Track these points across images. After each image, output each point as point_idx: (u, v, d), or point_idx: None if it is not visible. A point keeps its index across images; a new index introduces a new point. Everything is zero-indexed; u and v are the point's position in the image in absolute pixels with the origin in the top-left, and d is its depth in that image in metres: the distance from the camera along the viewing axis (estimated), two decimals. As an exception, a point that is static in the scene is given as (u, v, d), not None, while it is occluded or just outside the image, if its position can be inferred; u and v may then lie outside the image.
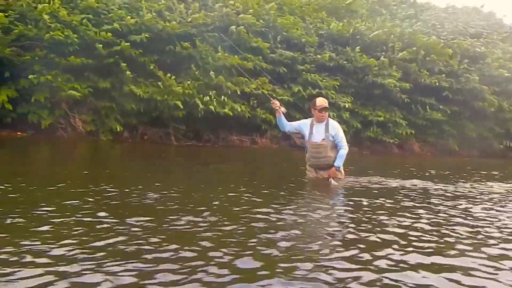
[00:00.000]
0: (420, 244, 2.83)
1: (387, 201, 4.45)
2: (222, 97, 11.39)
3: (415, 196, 4.90)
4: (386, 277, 2.19)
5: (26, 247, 2.32)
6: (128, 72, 10.60)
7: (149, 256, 2.28)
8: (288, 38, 13.32)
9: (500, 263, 2.52)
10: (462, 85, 14.95)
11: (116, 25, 10.72)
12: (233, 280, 2.04)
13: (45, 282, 1.91)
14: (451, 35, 17.69)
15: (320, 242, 2.78)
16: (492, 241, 3.03)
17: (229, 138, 12.84)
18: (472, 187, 6.04)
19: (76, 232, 2.66)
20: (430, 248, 2.76)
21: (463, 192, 5.49)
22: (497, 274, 2.35)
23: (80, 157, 8.70)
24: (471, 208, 4.33)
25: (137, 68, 11.04)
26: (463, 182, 6.65)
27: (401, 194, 5.00)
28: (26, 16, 10.17)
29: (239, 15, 12.41)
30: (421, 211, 3.99)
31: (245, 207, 3.76)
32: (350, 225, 3.27)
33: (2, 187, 4.01)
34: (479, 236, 3.15)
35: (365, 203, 4.29)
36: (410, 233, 3.12)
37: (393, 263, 2.42)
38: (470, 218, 3.83)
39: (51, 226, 2.78)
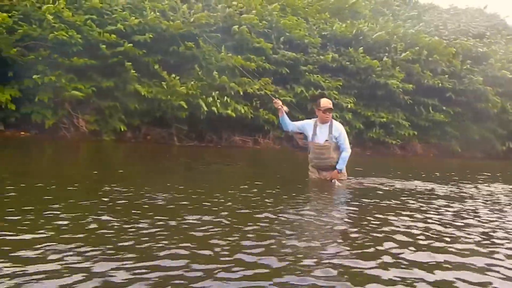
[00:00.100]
0: (434, 245, 2.88)
1: (394, 202, 4.47)
2: (225, 97, 11.39)
3: (422, 198, 4.90)
4: (399, 277, 2.22)
5: (42, 248, 2.34)
6: (132, 71, 10.62)
7: (165, 256, 2.31)
8: (291, 39, 13.31)
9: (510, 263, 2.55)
10: (466, 86, 14.92)
11: (120, 26, 10.75)
12: (249, 278, 2.08)
13: (68, 282, 1.94)
14: (453, 35, 17.68)
15: (332, 241, 2.82)
16: (501, 242, 3.05)
17: (231, 139, 12.85)
18: (477, 189, 6.04)
19: (90, 233, 2.68)
20: (442, 248, 2.81)
21: (469, 194, 5.49)
22: (508, 274, 2.38)
23: (85, 157, 8.73)
24: (478, 209, 4.34)
25: (141, 68, 11.05)
26: (468, 183, 6.65)
27: (408, 196, 5.01)
28: (30, 16, 10.19)
29: (242, 15, 12.41)
30: (429, 212, 4.01)
31: (253, 207, 3.81)
32: (360, 226, 3.30)
33: (12, 187, 4.03)
34: (488, 237, 3.18)
35: (372, 204, 4.30)
36: (420, 233, 3.15)
37: (406, 263, 2.45)
38: (478, 219, 3.85)
39: (65, 226, 2.79)
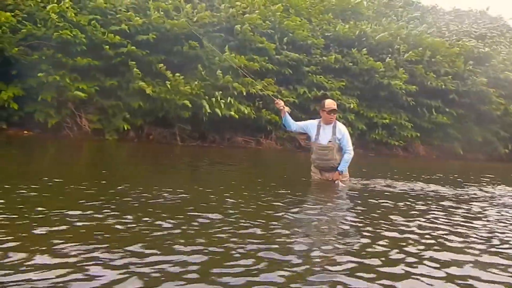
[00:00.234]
0: (444, 245, 2.89)
1: (399, 203, 4.46)
2: (229, 98, 11.39)
3: (428, 199, 4.90)
4: (411, 277, 2.23)
5: (53, 248, 2.34)
6: (135, 69, 10.64)
7: (178, 255, 2.33)
8: (294, 40, 13.31)
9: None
10: (469, 87, 14.90)
11: (124, 26, 10.77)
12: (261, 276, 2.10)
13: (81, 281, 1.94)
14: (455, 37, 17.67)
15: (339, 241, 2.82)
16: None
17: (234, 139, 12.86)
18: (482, 191, 6.04)
19: (102, 233, 2.68)
20: (453, 248, 2.84)
21: (474, 196, 5.49)
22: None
23: (90, 156, 8.75)
24: (485, 211, 4.35)
25: (144, 68, 11.07)
26: (472, 185, 6.64)
27: (414, 197, 5.01)
28: (35, 15, 10.22)
29: (245, 15, 12.41)
30: (436, 214, 4.01)
31: (260, 207, 3.84)
32: (369, 227, 3.30)
33: (21, 186, 4.03)
34: (496, 238, 3.18)
35: (377, 205, 4.30)
36: (429, 234, 3.16)
37: (417, 264, 2.46)
38: (486, 221, 3.85)
39: (77, 227, 2.78)
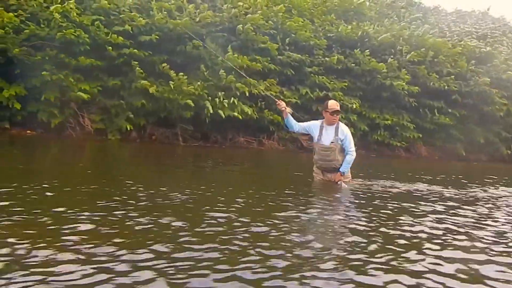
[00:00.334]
0: (455, 245, 2.94)
1: (407, 204, 4.48)
2: (232, 99, 11.38)
3: (433, 200, 4.92)
4: (424, 276, 2.26)
5: (64, 248, 2.36)
6: (138, 69, 10.67)
7: (189, 255, 2.37)
8: (296, 41, 13.32)
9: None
10: (471, 88, 14.87)
11: (128, 26, 10.79)
12: (271, 276, 2.14)
13: (94, 281, 1.96)
14: (456, 37, 17.66)
15: (351, 241, 2.86)
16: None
17: (236, 139, 12.86)
18: (486, 192, 6.05)
19: (113, 234, 2.70)
20: (464, 247, 2.89)
21: (479, 197, 5.50)
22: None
23: (94, 157, 8.77)
24: (492, 212, 4.37)
25: (147, 68, 11.09)
26: (476, 186, 6.64)
27: (419, 198, 5.03)
28: (38, 15, 10.25)
29: (248, 15, 12.43)
30: (444, 214, 4.04)
31: (267, 207, 3.90)
32: (378, 227, 3.33)
33: (29, 186, 4.06)
34: (507, 239, 3.22)
35: (384, 205, 4.32)
36: (438, 234, 3.19)
37: (427, 266, 2.48)
38: (494, 221, 3.88)
39: (88, 227, 2.80)
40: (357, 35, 14.31)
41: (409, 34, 15.15)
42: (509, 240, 3.18)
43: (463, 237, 3.18)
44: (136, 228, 2.86)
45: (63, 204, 3.37)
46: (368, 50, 13.87)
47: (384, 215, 3.81)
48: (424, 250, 2.75)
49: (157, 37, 10.95)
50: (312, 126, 5.86)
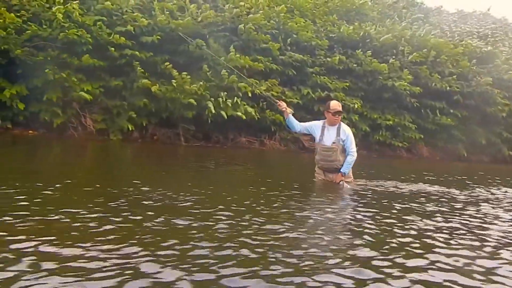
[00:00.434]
0: (463, 245, 2.96)
1: (412, 204, 4.50)
2: (235, 98, 11.37)
3: (438, 201, 4.93)
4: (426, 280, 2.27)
5: (84, 248, 2.37)
6: (139, 68, 10.68)
7: (208, 254, 2.40)
8: (298, 41, 13.33)
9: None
10: (473, 88, 14.85)
11: (130, 27, 10.80)
12: (285, 273, 2.19)
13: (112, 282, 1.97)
14: (457, 37, 17.65)
15: (360, 242, 2.89)
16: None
17: (237, 139, 12.87)
18: (490, 193, 6.05)
19: (129, 234, 2.71)
20: (472, 248, 2.90)
21: (484, 197, 5.51)
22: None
23: (98, 157, 8.78)
24: (497, 213, 4.38)
25: (149, 68, 11.11)
26: (479, 187, 6.64)
27: (424, 198, 5.03)
28: (40, 16, 10.27)
29: (249, 15, 12.44)
30: (450, 215, 4.05)
31: (275, 207, 3.95)
32: (385, 226, 3.36)
33: (36, 186, 4.07)
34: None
35: (390, 206, 4.34)
36: (447, 235, 3.21)
37: (436, 265, 2.50)
38: (501, 222, 3.89)
39: (104, 227, 2.81)
40: (359, 36, 14.32)
41: (410, 35, 15.15)
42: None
43: (472, 236, 3.21)
44: (152, 228, 2.88)
45: (73, 204, 3.39)
46: (370, 51, 13.87)
47: (390, 215, 3.83)
48: (434, 249, 2.78)
49: (159, 37, 10.97)
50: (314, 126, 5.86)
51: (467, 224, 3.67)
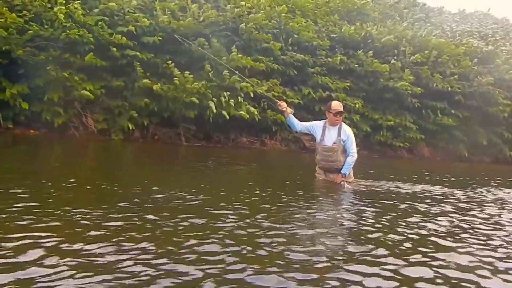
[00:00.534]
0: (471, 245, 2.99)
1: (417, 205, 4.50)
2: (238, 97, 11.36)
3: (441, 201, 4.93)
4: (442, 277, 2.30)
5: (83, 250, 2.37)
6: (139, 69, 10.69)
7: (221, 253, 2.43)
8: (299, 41, 13.33)
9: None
10: (475, 88, 14.83)
11: (132, 27, 10.81)
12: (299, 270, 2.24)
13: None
14: (458, 37, 17.64)
15: (368, 242, 2.91)
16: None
17: (238, 139, 12.88)
18: (493, 194, 6.05)
19: (141, 233, 2.73)
20: (479, 248, 2.93)
21: (487, 198, 5.51)
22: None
23: (100, 156, 8.78)
24: (502, 214, 4.38)
25: (150, 68, 11.12)
26: (482, 188, 6.64)
27: (428, 199, 5.04)
28: (42, 16, 10.28)
29: (251, 15, 12.44)
30: (453, 215, 4.05)
31: (281, 207, 3.98)
32: (391, 227, 3.37)
33: (42, 186, 4.08)
34: None
35: (396, 206, 4.36)
36: (452, 236, 3.22)
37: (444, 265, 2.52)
38: (507, 222, 3.90)
39: (109, 230, 2.81)
40: (360, 36, 14.32)
41: (412, 35, 15.13)
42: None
43: (477, 236, 3.23)
44: (165, 228, 2.89)
45: (82, 204, 3.41)
46: (371, 51, 13.87)
47: (396, 215, 3.85)
48: (440, 249, 2.82)
49: (160, 38, 10.97)
50: (315, 126, 5.87)
51: (473, 224, 3.69)
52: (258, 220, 3.30)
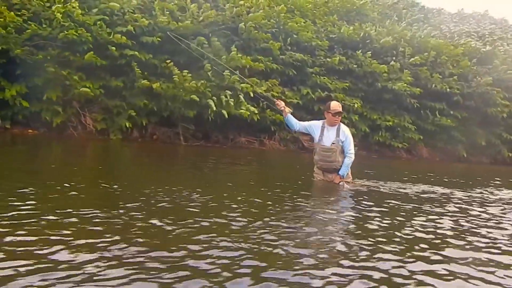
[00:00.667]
0: (475, 244, 3.03)
1: (416, 205, 4.51)
2: (239, 97, 11.34)
3: (442, 201, 4.95)
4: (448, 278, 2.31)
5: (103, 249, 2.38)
6: (137, 69, 10.68)
7: (227, 254, 2.45)
8: (298, 41, 13.33)
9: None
10: (473, 89, 14.84)
11: (130, 27, 10.79)
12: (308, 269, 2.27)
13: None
14: (457, 37, 17.65)
15: (375, 242, 2.92)
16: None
17: (237, 139, 12.87)
18: (493, 194, 6.07)
19: (145, 233, 2.74)
20: (485, 247, 2.98)
21: (487, 199, 5.53)
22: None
23: (100, 156, 8.77)
24: (504, 214, 4.40)
25: (149, 68, 11.10)
26: (482, 188, 6.66)
27: (431, 199, 5.05)
28: (40, 15, 10.26)
29: (250, 14, 12.43)
30: (455, 216, 4.08)
31: (286, 207, 4.02)
32: (390, 227, 3.39)
33: (46, 187, 4.07)
34: None
35: (394, 206, 4.39)
36: (455, 236, 3.25)
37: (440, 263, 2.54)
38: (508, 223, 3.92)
39: (121, 227, 2.82)
40: (359, 37, 14.32)
41: (411, 36, 15.14)
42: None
43: (481, 237, 3.25)
44: (167, 228, 2.90)
45: (82, 205, 3.40)
46: (369, 52, 13.88)
47: (399, 216, 3.86)
48: (447, 250, 2.83)
49: (159, 39, 10.96)
50: (313, 126, 5.86)
51: (476, 224, 3.70)
52: (265, 219, 3.32)
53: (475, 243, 3.06)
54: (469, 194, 5.85)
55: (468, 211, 4.40)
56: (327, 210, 3.94)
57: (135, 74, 10.78)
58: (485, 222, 3.88)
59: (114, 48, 10.46)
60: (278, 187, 5.37)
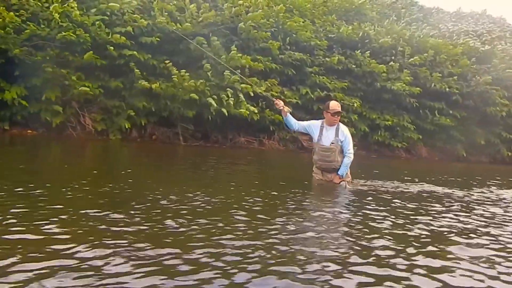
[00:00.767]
0: (479, 244, 3.02)
1: (416, 205, 4.51)
2: (240, 96, 11.33)
3: (443, 201, 4.94)
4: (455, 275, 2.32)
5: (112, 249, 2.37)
6: (136, 70, 10.67)
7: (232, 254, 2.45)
8: (297, 41, 13.33)
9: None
10: (472, 88, 14.86)
11: (130, 28, 10.78)
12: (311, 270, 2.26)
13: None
14: (455, 36, 17.67)
15: (380, 242, 2.92)
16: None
17: (236, 139, 12.87)
18: (493, 193, 6.08)
19: (154, 235, 2.74)
20: (488, 245, 2.98)
21: (488, 198, 5.54)
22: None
23: (100, 157, 8.76)
24: (506, 213, 4.41)
25: (148, 69, 11.10)
26: (482, 187, 6.67)
27: (433, 199, 5.05)
28: (39, 15, 10.24)
29: (248, 14, 12.42)
30: (457, 215, 4.07)
31: (291, 207, 4.04)
32: (391, 227, 3.39)
33: (47, 187, 4.06)
34: None
35: (395, 206, 4.39)
36: (459, 235, 3.25)
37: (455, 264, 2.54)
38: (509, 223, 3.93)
39: (128, 229, 2.80)
40: (358, 36, 14.33)
41: (409, 36, 15.15)
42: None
43: (483, 236, 3.25)
44: (175, 230, 2.89)
45: (83, 205, 3.39)
46: (368, 52, 13.88)
47: (399, 214, 3.86)
48: (451, 249, 2.83)
49: (158, 39, 10.95)
50: (312, 126, 5.85)
51: (478, 223, 3.70)
52: (266, 220, 3.33)
53: (478, 241, 3.07)
54: (470, 193, 5.85)
55: (469, 210, 4.41)
56: (331, 210, 3.93)
57: (134, 75, 10.77)
58: (487, 220, 3.89)
59: (112, 48, 10.45)
60: (281, 187, 5.37)
